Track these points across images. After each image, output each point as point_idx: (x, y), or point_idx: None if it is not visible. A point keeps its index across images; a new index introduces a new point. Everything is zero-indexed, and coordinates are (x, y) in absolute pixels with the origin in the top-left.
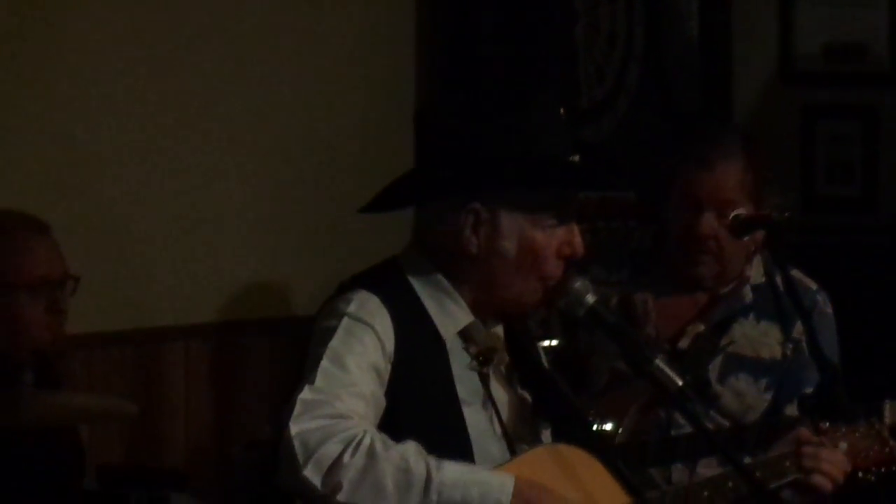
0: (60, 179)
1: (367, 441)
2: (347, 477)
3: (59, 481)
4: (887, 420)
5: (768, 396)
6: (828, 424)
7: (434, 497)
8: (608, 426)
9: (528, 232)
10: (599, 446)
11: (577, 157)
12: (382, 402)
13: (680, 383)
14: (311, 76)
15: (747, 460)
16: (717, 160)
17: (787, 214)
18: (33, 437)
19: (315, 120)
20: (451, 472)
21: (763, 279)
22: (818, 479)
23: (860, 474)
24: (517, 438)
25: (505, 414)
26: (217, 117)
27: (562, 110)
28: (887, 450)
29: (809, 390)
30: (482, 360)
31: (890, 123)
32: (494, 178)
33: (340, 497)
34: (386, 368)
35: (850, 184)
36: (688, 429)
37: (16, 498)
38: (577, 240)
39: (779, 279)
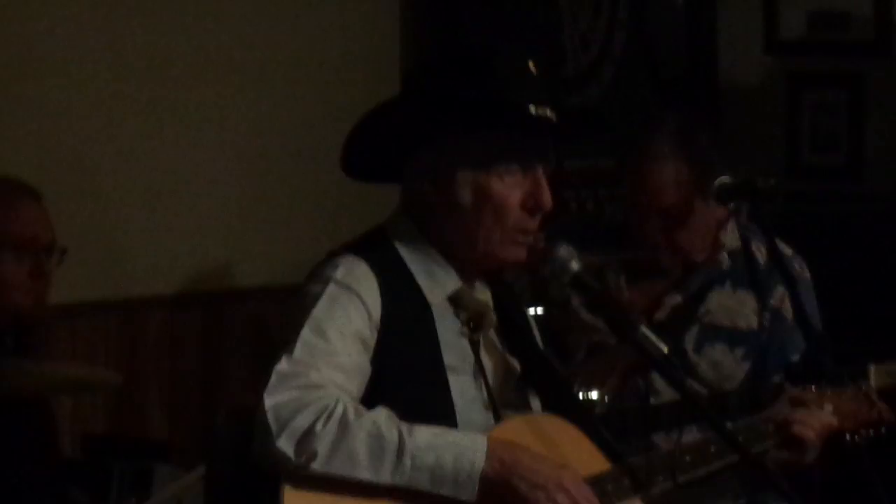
0: (46, 152)
1: (339, 410)
2: (320, 447)
3: (33, 451)
4: (873, 384)
5: (745, 366)
6: (814, 388)
7: (408, 462)
8: (594, 395)
9: (483, 181)
10: (585, 416)
11: (547, 111)
12: (367, 371)
13: (665, 350)
14: (293, 49)
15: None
16: (648, 168)
17: (772, 182)
18: (7, 406)
19: (294, 93)
20: (423, 436)
21: (738, 244)
22: (798, 429)
23: (848, 437)
24: (505, 407)
25: (494, 382)
26: (197, 91)
27: (532, 64)
28: (875, 411)
29: (795, 358)
30: (473, 327)
31: (875, 92)
32: (447, 125)
33: (315, 466)
34: (372, 336)
35: (836, 152)
36: (666, 398)
37: None
38: (543, 191)
39: (754, 247)
